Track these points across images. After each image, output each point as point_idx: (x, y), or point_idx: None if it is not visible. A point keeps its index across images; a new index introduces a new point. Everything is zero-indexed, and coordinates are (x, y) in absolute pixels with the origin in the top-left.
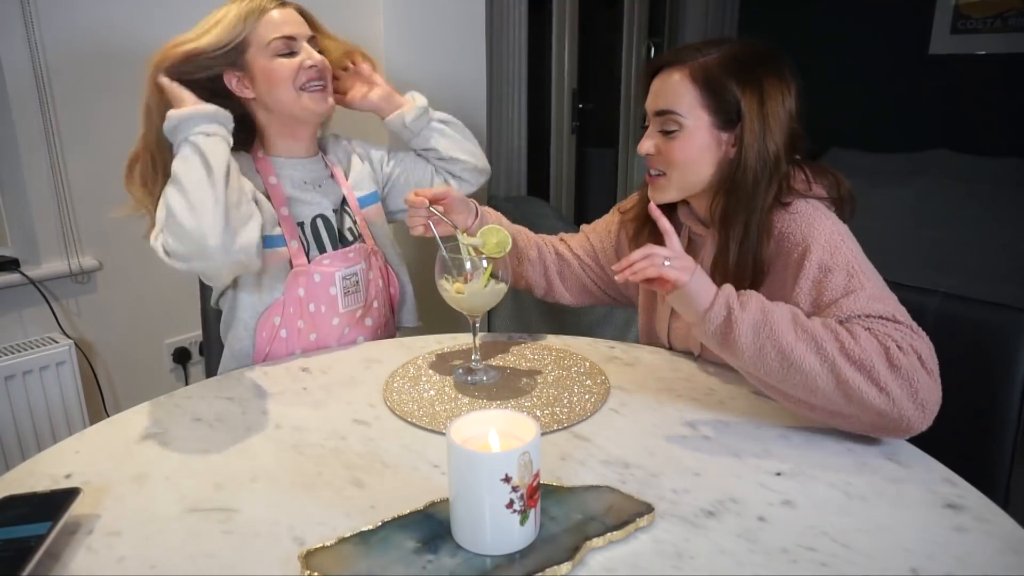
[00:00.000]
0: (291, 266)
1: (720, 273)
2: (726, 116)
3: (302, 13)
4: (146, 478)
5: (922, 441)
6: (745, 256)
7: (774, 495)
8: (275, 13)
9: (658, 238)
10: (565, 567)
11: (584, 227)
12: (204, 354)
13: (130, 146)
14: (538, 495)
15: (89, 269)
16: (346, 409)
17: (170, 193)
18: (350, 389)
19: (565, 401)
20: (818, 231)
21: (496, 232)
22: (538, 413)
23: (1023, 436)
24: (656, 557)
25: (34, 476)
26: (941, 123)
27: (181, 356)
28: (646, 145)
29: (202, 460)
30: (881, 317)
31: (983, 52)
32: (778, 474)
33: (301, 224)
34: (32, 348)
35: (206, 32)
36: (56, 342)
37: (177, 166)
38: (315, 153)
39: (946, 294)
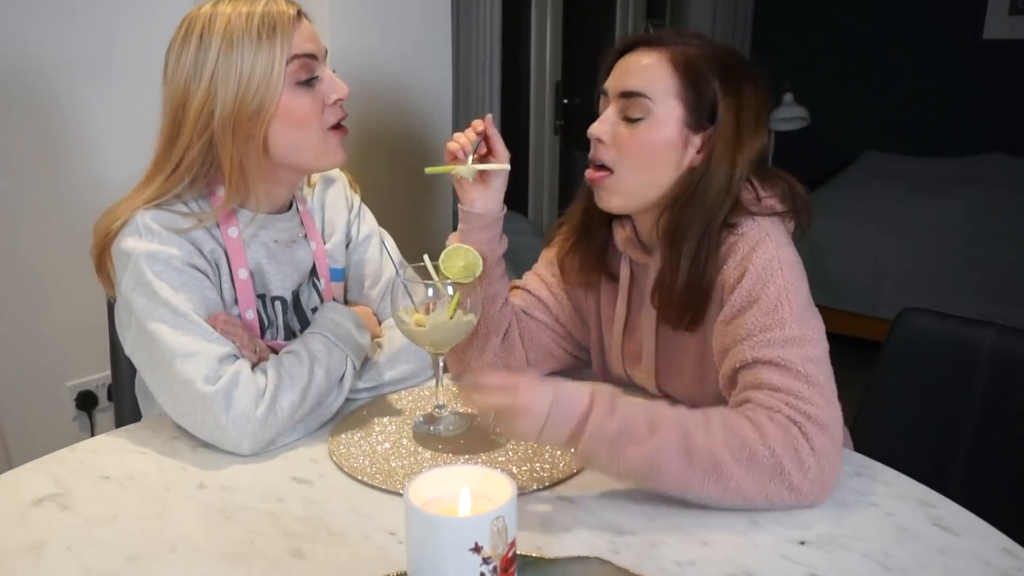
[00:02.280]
0: None
1: (663, 298)
2: (700, 115)
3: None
4: (43, 548)
5: (975, 503)
6: (694, 278)
7: (798, 568)
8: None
9: (595, 249)
10: None
11: (519, 283)
12: (114, 399)
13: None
14: (514, 568)
15: None
16: (283, 465)
17: (298, 391)
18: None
19: (547, 455)
20: (758, 257)
21: (465, 253)
22: (514, 469)
23: None
24: None
25: None
26: (997, 121)
27: (86, 401)
28: (602, 128)
29: (111, 527)
30: (777, 390)
31: None
32: (802, 543)
33: (261, 297)
34: None
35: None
36: None
37: (322, 377)
38: (290, 205)
39: (1003, 327)
